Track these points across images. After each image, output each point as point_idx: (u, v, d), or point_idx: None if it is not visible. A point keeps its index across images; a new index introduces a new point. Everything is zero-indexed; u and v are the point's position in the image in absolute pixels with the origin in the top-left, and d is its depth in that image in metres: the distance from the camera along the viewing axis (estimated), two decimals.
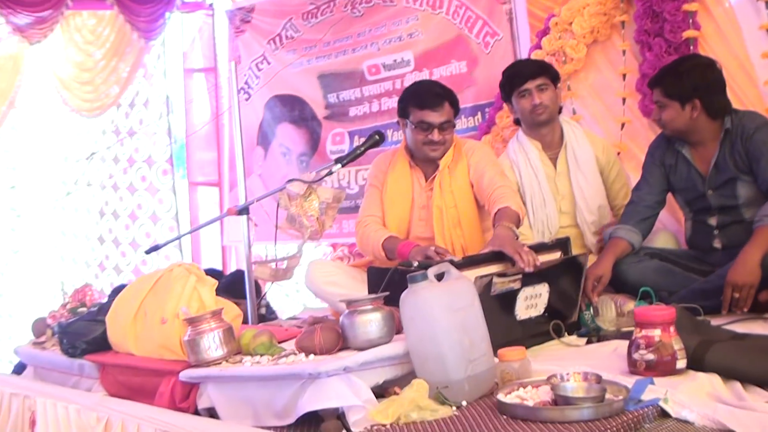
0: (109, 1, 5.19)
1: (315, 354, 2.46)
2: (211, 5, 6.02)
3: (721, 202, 3.29)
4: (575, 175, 3.72)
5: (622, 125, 4.00)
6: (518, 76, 3.69)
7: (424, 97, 3.52)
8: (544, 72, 3.69)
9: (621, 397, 2.22)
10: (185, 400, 2.60)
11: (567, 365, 2.61)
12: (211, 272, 4.98)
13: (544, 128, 3.74)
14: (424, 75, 4.78)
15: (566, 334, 3.11)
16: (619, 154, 3.97)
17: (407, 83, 4.78)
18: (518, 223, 3.23)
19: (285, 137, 5.66)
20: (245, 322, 3.61)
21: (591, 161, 3.72)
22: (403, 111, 3.60)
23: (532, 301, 3.01)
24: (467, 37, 4.59)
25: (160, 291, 2.80)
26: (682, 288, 3.26)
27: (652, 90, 3.32)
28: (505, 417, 2.21)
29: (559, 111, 3.85)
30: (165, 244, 3.84)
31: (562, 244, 3.29)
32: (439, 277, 2.51)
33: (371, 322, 2.48)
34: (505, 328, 2.91)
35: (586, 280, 3.28)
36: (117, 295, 3.13)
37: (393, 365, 2.46)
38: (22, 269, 6.73)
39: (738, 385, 2.37)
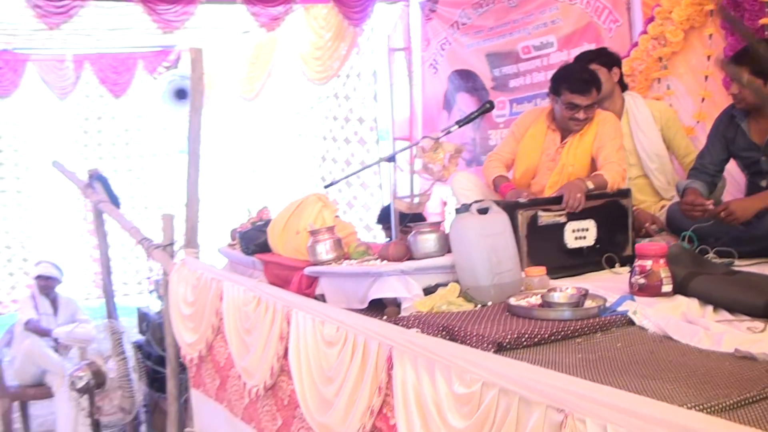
0: None
1: (388, 260, 2.91)
2: None
3: None
4: (636, 133, 3.83)
5: (702, 99, 4.03)
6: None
7: (575, 83, 3.56)
8: (594, 59, 3.84)
9: (597, 305, 2.51)
10: (308, 288, 3.14)
11: (587, 284, 2.86)
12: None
13: (604, 102, 3.83)
14: (564, 55, 4.93)
15: (618, 265, 3.23)
16: (698, 122, 4.03)
17: (552, 61, 4.98)
18: (601, 185, 3.36)
19: (463, 103, 5.94)
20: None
21: (648, 120, 3.82)
22: (555, 89, 3.64)
23: (581, 234, 3.19)
24: (596, 24, 4.70)
25: (299, 212, 3.36)
26: (726, 235, 3.36)
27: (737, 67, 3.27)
28: (508, 314, 2.52)
29: (624, 87, 3.98)
30: (337, 182, 4.35)
31: (623, 193, 3.42)
32: (483, 211, 2.88)
33: (428, 240, 2.90)
34: (556, 253, 3.15)
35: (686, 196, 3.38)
36: None
37: (444, 273, 2.86)
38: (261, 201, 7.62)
39: (710, 308, 2.50)
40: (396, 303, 2.79)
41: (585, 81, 3.56)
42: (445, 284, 2.82)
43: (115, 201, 4.94)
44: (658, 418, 1.22)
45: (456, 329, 2.34)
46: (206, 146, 9.35)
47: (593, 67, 3.79)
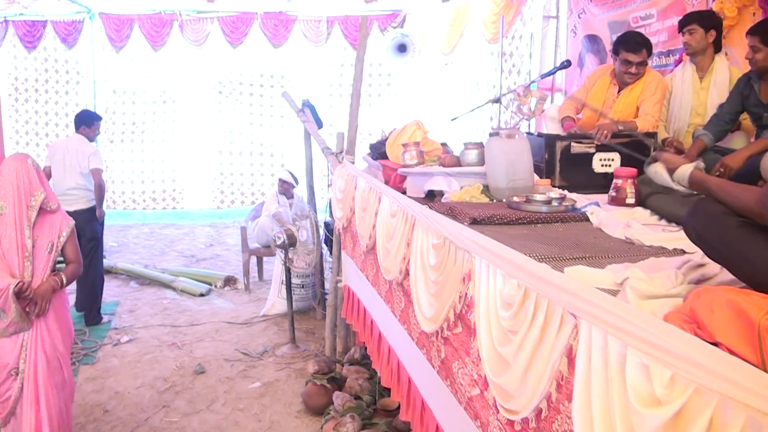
0: None
1: (444, 166, 3.47)
2: None
3: None
4: (711, 90, 3.77)
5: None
6: (680, 24, 3.84)
7: (629, 44, 3.75)
8: (693, 21, 3.76)
9: (567, 205, 2.92)
10: (400, 183, 3.72)
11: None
12: None
13: (696, 57, 3.80)
14: (659, 24, 4.91)
15: None
16: None
17: (652, 30, 4.97)
18: (631, 128, 3.60)
19: (590, 62, 5.97)
20: None
21: (725, 83, 3.72)
22: (615, 50, 3.88)
23: (606, 162, 3.48)
24: (682, 1, 4.66)
25: (402, 132, 3.94)
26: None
27: (750, 37, 3.26)
28: (508, 206, 2.97)
29: (717, 48, 3.82)
30: (460, 116, 4.82)
31: (652, 135, 3.63)
32: (512, 136, 3.33)
33: (470, 154, 3.39)
34: (586, 175, 3.48)
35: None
36: None
37: (478, 177, 3.33)
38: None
39: (656, 218, 2.76)
40: (442, 194, 3.35)
41: (637, 42, 3.79)
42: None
43: (319, 123, 5.77)
44: (503, 256, 1.71)
45: (456, 210, 2.88)
46: (416, 88, 10.08)
47: (693, 26, 3.75)
